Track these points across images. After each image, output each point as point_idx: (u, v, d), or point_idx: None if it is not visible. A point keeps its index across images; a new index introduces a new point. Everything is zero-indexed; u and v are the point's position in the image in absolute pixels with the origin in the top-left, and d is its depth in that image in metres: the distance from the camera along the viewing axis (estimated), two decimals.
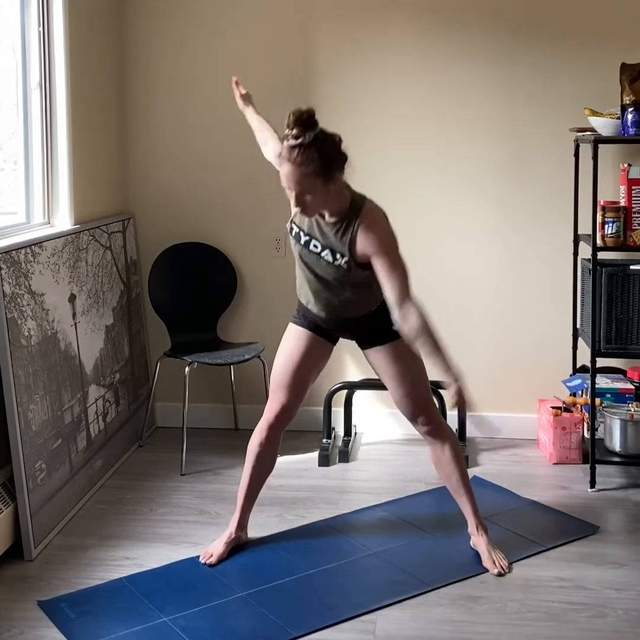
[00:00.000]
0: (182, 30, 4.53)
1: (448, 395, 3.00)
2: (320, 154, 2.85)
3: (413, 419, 3.25)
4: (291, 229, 3.13)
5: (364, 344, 3.24)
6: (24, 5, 3.79)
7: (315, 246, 3.05)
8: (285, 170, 2.90)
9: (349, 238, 2.98)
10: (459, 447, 3.32)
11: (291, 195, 2.94)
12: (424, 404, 3.23)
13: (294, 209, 3.02)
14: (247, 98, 3.56)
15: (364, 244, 2.96)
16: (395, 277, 2.92)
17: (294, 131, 2.84)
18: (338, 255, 3.01)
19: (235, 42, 4.51)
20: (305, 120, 2.84)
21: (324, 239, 3.03)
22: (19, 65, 3.82)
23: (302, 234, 3.08)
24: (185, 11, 4.51)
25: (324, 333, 3.25)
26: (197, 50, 4.54)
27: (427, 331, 2.91)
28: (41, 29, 3.84)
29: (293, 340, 3.26)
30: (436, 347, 2.92)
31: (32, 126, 3.88)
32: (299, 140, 2.84)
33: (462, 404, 2.96)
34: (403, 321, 2.92)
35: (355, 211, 2.99)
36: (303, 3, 4.44)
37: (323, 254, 3.04)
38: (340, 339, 3.34)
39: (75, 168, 4.02)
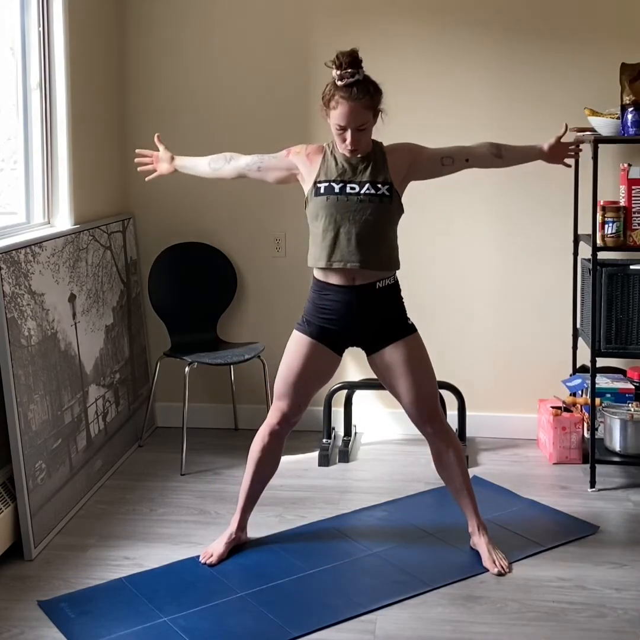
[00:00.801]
0: (182, 31, 4.53)
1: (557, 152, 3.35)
2: (371, 90, 3.06)
3: (422, 422, 3.24)
4: (317, 189, 3.14)
5: (378, 344, 3.19)
6: (24, 5, 3.79)
7: (352, 188, 3.11)
8: (345, 110, 3.02)
9: (383, 162, 3.15)
10: (462, 449, 3.33)
11: (346, 135, 3.06)
12: (433, 406, 3.23)
13: (306, 171, 3.18)
14: (169, 151, 3.58)
15: (403, 155, 3.18)
16: (443, 148, 3.26)
17: (349, 70, 3.02)
18: (379, 185, 3.11)
19: (236, 43, 4.51)
20: (356, 59, 3.05)
21: (360, 176, 3.12)
22: (19, 65, 3.82)
23: (334, 184, 3.12)
24: (185, 12, 4.51)
25: (331, 340, 3.21)
26: (196, 50, 4.54)
27: (495, 142, 3.31)
28: (41, 29, 3.84)
29: (296, 348, 3.22)
30: (510, 144, 3.32)
31: (32, 126, 3.88)
32: (356, 77, 3.02)
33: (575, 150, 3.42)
34: (483, 156, 3.27)
35: (376, 143, 3.19)
36: (304, 2, 4.44)
37: (363, 190, 3.10)
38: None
39: (75, 168, 4.03)
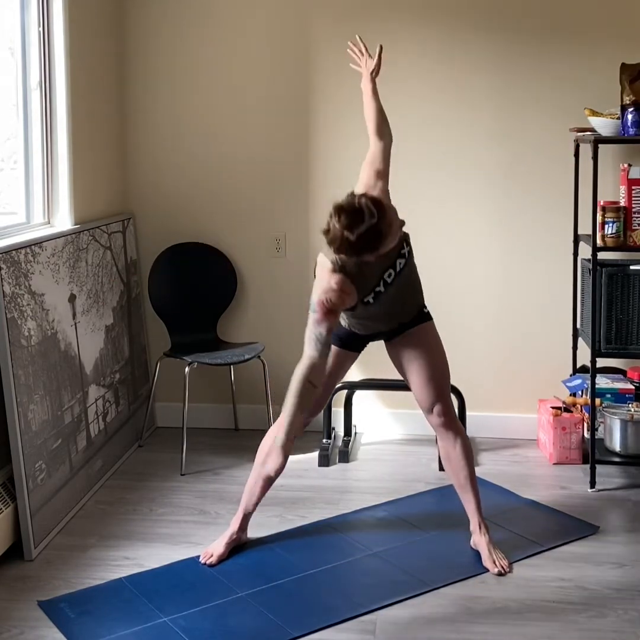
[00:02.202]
0: (182, 31, 4.52)
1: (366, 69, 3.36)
2: (377, 223, 2.81)
3: (431, 407, 3.25)
4: (367, 303, 3.08)
5: (397, 332, 3.24)
6: (24, 5, 3.79)
7: (389, 275, 3.08)
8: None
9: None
10: (470, 444, 3.33)
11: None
12: (444, 392, 3.26)
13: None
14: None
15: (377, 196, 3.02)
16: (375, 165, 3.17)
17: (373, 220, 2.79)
18: (401, 250, 3.08)
19: (236, 43, 4.51)
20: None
21: (386, 261, 3.04)
22: (19, 65, 3.82)
23: (377, 287, 3.07)
24: (185, 12, 4.51)
25: (354, 344, 3.26)
26: (197, 50, 4.54)
27: (375, 130, 3.26)
28: (41, 29, 3.84)
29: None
30: (369, 113, 3.30)
31: (32, 126, 3.88)
32: (363, 236, 2.79)
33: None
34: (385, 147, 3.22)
35: None
36: (304, 3, 4.44)
37: (398, 267, 3.08)
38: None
39: (75, 168, 4.02)
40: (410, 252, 3.14)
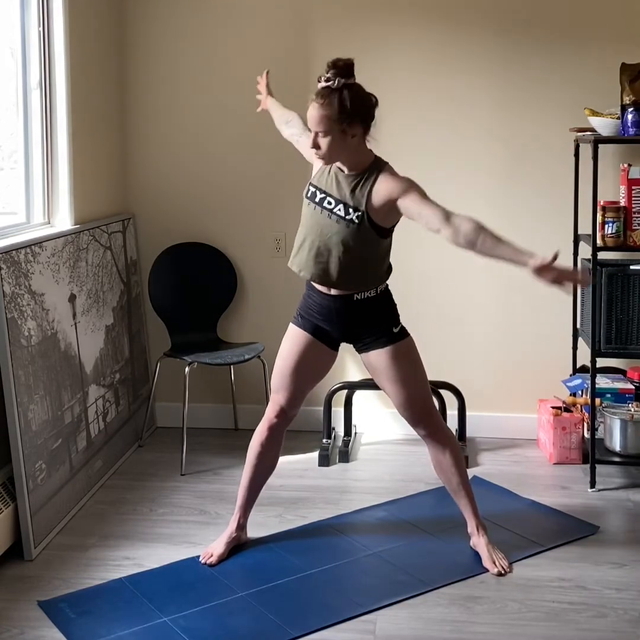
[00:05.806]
0: (182, 30, 4.53)
1: (542, 275, 2.79)
2: (341, 102, 2.94)
3: (415, 424, 3.24)
4: (308, 191, 3.15)
5: (364, 348, 3.20)
6: (24, 5, 3.79)
7: (329, 203, 3.08)
8: (309, 111, 2.99)
9: (369, 188, 3.01)
10: (460, 450, 3.32)
11: (311, 135, 3.03)
12: (425, 408, 3.23)
13: (316, 166, 3.17)
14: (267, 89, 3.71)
15: (388, 189, 2.98)
16: (430, 202, 2.95)
17: (328, 74, 2.97)
18: (351, 210, 3.03)
19: (236, 42, 4.51)
20: (340, 67, 2.97)
21: (339, 193, 3.06)
22: (19, 65, 3.82)
23: (318, 192, 3.11)
24: (186, 11, 4.51)
25: (324, 336, 3.22)
26: (197, 50, 4.54)
27: (483, 229, 2.87)
28: (41, 29, 3.84)
29: (291, 342, 3.26)
30: (499, 238, 2.86)
31: (32, 126, 3.88)
32: (328, 84, 2.96)
33: (572, 278, 2.84)
34: (456, 233, 2.85)
35: (377, 166, 3.06)
36: (304, 3, 4.44)
37: (336, 209, 3.06)
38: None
39: (75, 168, 4.02)
40: (351, 223, 3.00)
